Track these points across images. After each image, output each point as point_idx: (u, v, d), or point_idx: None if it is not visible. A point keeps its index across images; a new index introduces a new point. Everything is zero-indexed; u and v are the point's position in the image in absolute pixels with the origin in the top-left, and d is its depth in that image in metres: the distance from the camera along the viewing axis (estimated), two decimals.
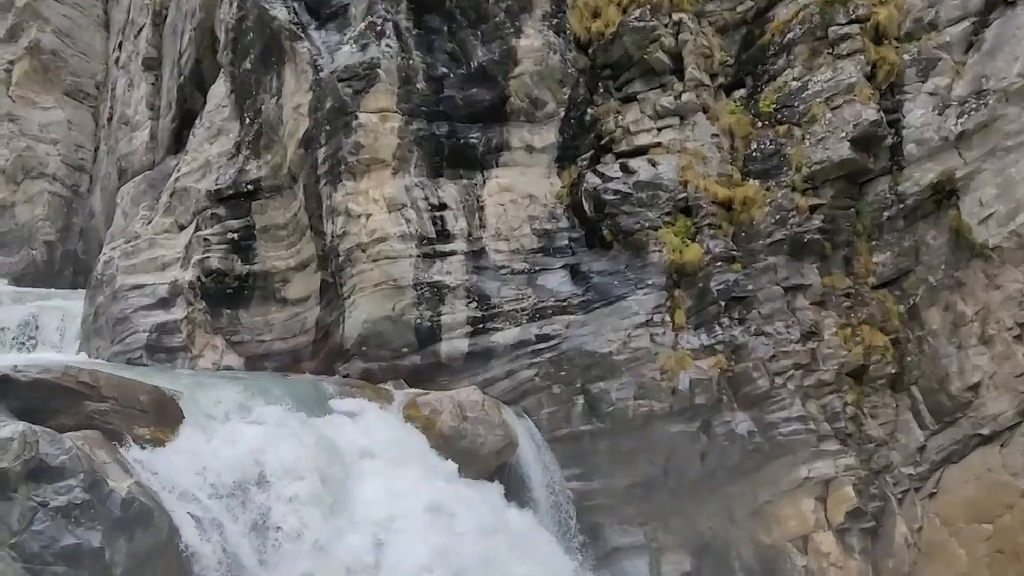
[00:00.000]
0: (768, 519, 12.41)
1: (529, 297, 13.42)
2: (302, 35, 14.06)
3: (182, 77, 16.87)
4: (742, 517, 12.52)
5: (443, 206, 13.55)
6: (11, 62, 24.49)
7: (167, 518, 8.09)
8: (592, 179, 13.53)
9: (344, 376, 13.27)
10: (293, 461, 9.61)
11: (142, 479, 8.29)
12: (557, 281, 13.49)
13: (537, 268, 13.55)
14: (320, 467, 9.84)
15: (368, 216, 13.27)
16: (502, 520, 11.16)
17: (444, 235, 13.42)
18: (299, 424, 10.46)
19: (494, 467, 12.07)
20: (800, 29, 13.59)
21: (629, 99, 13.92)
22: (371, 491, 10.33)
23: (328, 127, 13.65)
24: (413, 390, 12.87)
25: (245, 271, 14.61)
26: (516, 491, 12.07)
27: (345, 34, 13.36)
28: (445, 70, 13.50)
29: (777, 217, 13.24)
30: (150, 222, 16.19)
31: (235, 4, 14.90)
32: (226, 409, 10.24)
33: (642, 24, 13.68)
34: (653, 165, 13.41)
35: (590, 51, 13.90)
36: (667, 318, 13.15)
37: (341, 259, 13.46)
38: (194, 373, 13.15)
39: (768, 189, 13.38)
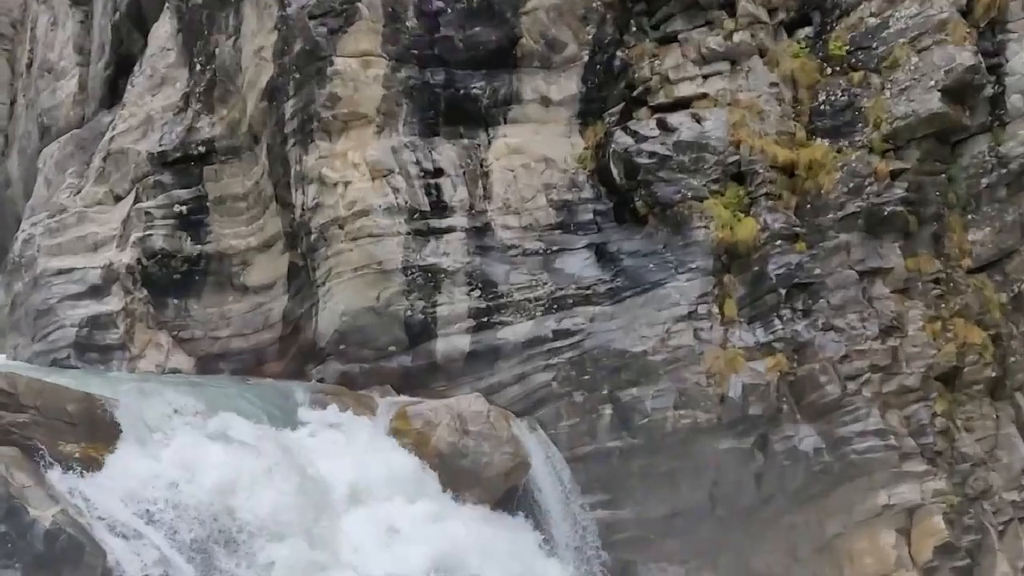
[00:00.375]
0: (838, 556, 12.42)
1: (545, 284, 13.48)
2: None
3: (118, 14, 16.73)
4: (806, 554, 12.56)
5: (439, 172, 13.59)
6: None
7: (101, 555, 8.15)
8: (622, 139, 13.47)
9: (318, 381, 13.43)
10: (271, 511, 9.74)
11: (70, 507, 8.35)
12: (579, 264, 13.52)
13: (555, 248, 13.59)
14: (304, 516, 10.02)
15: (347, 184, 13.37)
16: None
17: (440, 208, 13.49)
18: (269, 442, 10.60)
19: (501, 492, 12.30)
20: None
21: (668, 40, 13.92)
22: (361, 536, 10.56)
23: (297, 75, 13.63)
24: (402, 398, 13.04)
25: (196, 252, 14.70)
26: (525, 520, 12.42)
27: None
28: (441, 4, 13.53)
29: (850, 185, 13.16)
30: (79, 192, 16.18)
31: None
32: (174, 422, 10.38)
33: None
34: (697, 121, 13.39)
35: None
36: (714, 309, 13.15)
37: (314, 237, 13.56)
38: (134, 377, 13.19)
39: (839, 151, 13.34)
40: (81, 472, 8.86)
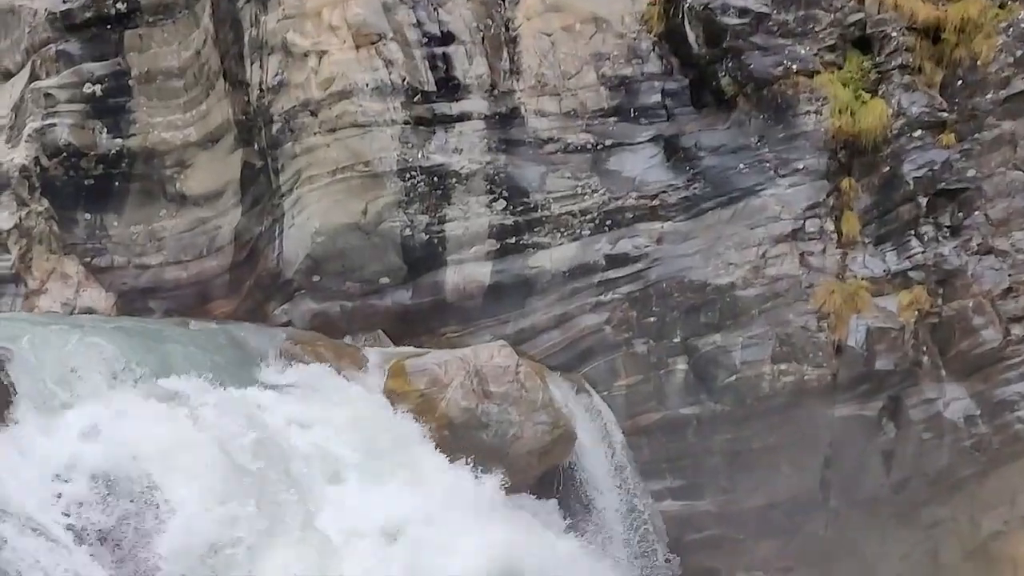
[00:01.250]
0: (997, 562, 12.35)
1: (594, 192, 13.36)
2: None
3: None
4: (953, 559, 12.51)
5: (448, 38, 13.46)
6: None
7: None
8: None
9: (284, 325, 13.32)
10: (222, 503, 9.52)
11: None
12: (642, 164, 13.40)
13: (608, 143, 13.43)
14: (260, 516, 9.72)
15: (321, 55, 13.22)
16: None
17: (450, 87, 13.36)
18: (217, 409, 10.32)
19: (535, 476, 12.24)
20: None
21: None
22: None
23: None
24: (399, 348, 13.08)
25: (115, 149, 14.46)
26: (571, 515, 12.40)
27: None
28: None
29: (1017, 54, 12.98)
30: None
31: None
32: (86, 384, 10.12)
33: None
34: None
35: None
36: (828, 226, 13.08)
37: (276, 128, 13.46)
38: (33, 319, 12.88)
39: (1002, 6, 13.17)
40: None
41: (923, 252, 12.99)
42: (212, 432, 10.06)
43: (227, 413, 10.43)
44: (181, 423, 10.03)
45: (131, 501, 9.31)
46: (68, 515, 8.98)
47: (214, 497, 9.55)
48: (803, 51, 13.31)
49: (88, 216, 14.59)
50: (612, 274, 13.25)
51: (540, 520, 11.77)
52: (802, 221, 13.10)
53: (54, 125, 14.51)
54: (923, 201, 13.01)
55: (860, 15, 13.44)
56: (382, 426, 11.58)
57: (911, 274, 12.94)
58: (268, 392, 11.38)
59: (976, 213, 12.94)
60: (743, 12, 13.35)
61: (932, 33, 13.39)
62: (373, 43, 13.25)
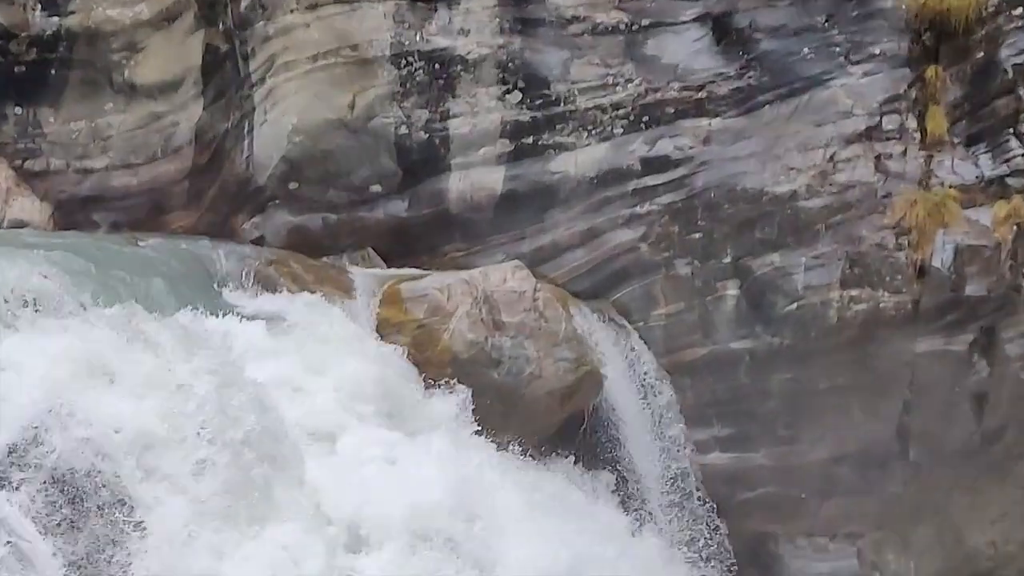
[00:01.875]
0: None
1: (629, 81, 13.28)
2: None
3: None
4: None
5: None
6: None
7: None
8: None
9: (255, 241, 13.35)
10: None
11: None
12: (686, 49, 13.38)
13: (646, 22, 13.38)
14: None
15: None
16: None
17: None
18: (174, 343, 10.08)
19: (556, 423, 12.23)
20: None
21: None
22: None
23: None
24: (393, 270, 13.11)
25: (52, 29, 14.16)
26: (597, 471, 12.49)
27: None
28: None
29: None
30: None
31: None
32: (17, 314, 9.89)
33: None
34: None
35: None
36: (910, 123, 13.07)
37: (246, 5, 13.45)
38: None
39: None
40: None
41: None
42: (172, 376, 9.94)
43: (183, 348, 10.30)
44: (130, 361, 9.91)
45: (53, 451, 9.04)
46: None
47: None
48: None
49: (19, 110, 14.38)
50: (649, 181, 13.21)
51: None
52: (878, 117, 13.09)
53: None
54: None
55: None
56: (373, 365, 11.53)
57: (1009, 181, 12.94)
58: (233, 320, 11.40)
59: None
60: None
61: None
62: None
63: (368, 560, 9.86)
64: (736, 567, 12.75)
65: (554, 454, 12.20)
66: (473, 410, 11.53)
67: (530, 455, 11.88)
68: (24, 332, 9.81)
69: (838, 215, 12.91)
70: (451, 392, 11.55)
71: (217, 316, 11.29)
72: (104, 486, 9.06)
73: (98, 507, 9.00)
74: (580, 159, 13.32)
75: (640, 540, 12.05)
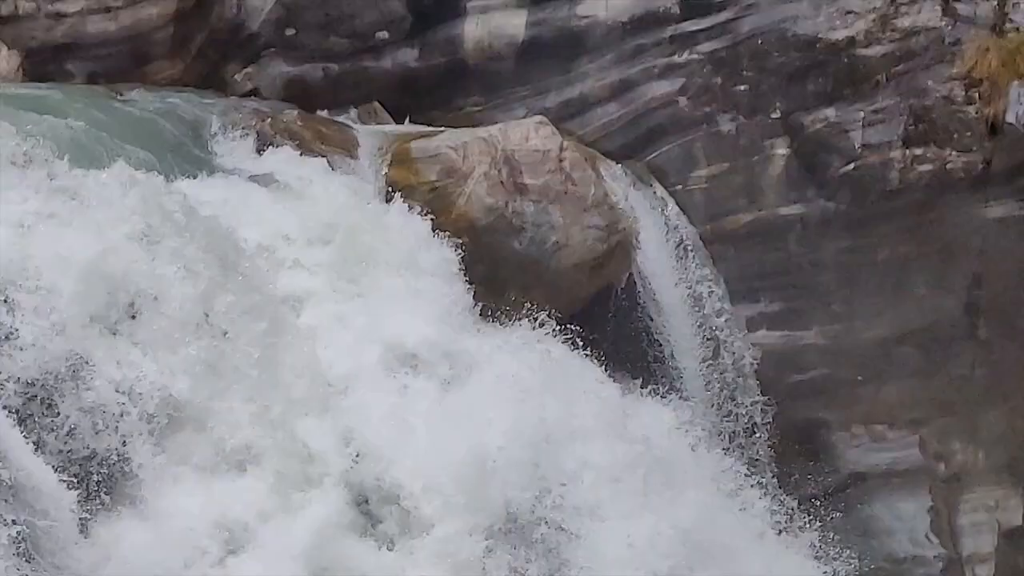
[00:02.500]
0: None
1: None
2: None
3: None
4: None
5: None
6: None
7: None
8: None
9: (248, 94, 13.13)
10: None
11: None
12: None
13: None
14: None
15: None
16: None
17: None
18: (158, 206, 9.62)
19: (584, 298, 12.03)
20: None
21: None
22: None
23: None
24: (403, 127, 12.91)
25: None
26: (627, 354, 12.08)
27: None
28: None
29: None
30: None
31: None
32: None
33: None
34: None
35: None
36: None
37: None
38: None
39: None
40: None
41: None
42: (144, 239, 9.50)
43: (165, 213, 9.73)
44: (110, 223, 9.27)
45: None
46: None
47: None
48: None
49: None
50: (689, 26, 12.94)
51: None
52: None
53: None
54: None
55: None
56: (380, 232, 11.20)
57: None
58: (224, 181, 11.08)
59: None
60: None
61: None
62: None
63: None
64: (784, 458, 12.52)
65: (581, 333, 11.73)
66: (493, 284, 11.31)
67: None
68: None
69: (900, 64, 12.62)
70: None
71: (204, 177, 10.97)
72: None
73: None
74: (611, 1, 13.03)
75: (678, 432, 11.58)
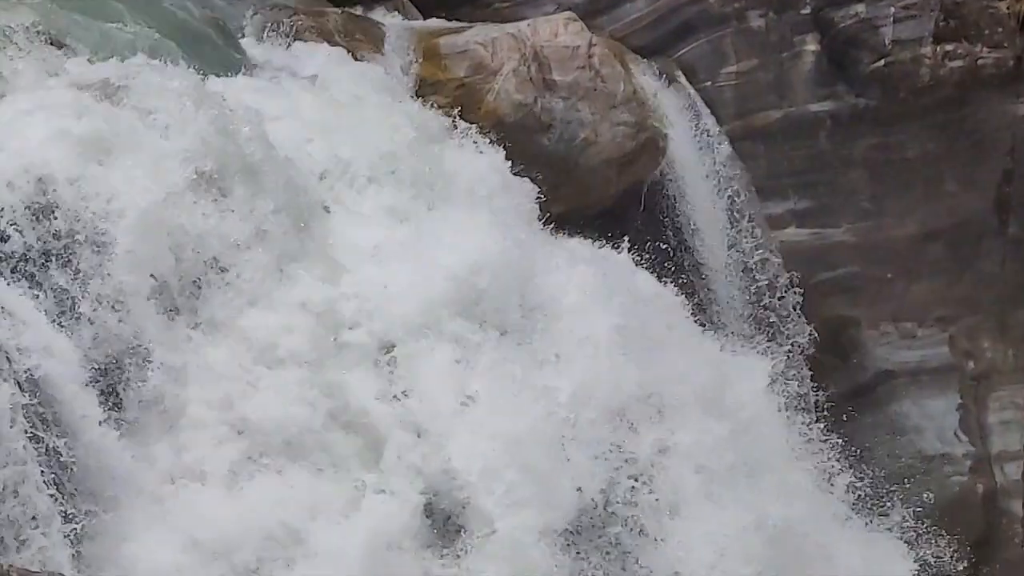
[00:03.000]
0: None
1: None
2: None
3: None
4: None
5: None
6: None
7: None
8: None
9: None
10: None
11: None
12: None
13: None
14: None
15: None
16: None
17: None
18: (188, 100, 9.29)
19: (612, 195, 11.99)
20: None
21: None
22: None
23: None
24: (431, 22, 12.72)
25: None
26: (655, 252, 11.73)
27: None
28: None
29: None
30: None
31: None
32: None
33: None
34: None
35: None
36: None
37: None
38: None
39: None
40: None
41: None
42: (178, 140, 9.13)
43: (191, 110, 9.44)
44: (126, 124, 9.04)
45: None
46: None
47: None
48: None
49: None
50: None
51: None
52: None
53: None
54: None
55: None
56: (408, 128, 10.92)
57: None
58: (252, 78, 10.84)
59: None
60: None
61: None
62: None
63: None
64: (813, 355, 12.39)
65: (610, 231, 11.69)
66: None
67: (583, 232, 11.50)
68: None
69: None
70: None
71: (227, 74, 10.73)
72: None
73: None
74: None
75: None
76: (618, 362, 9.36)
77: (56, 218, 8.21)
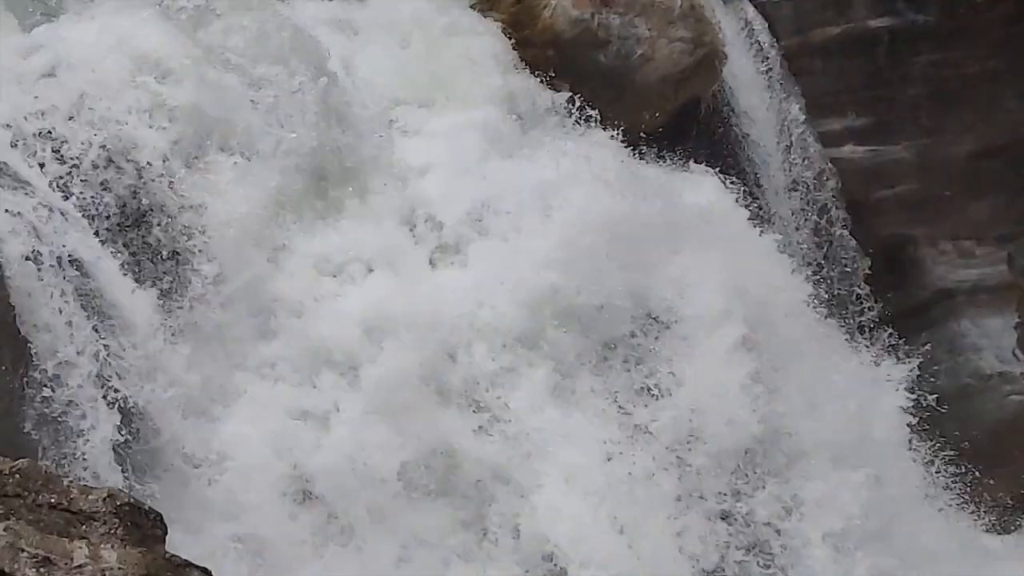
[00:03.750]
0: None
1: None
2: None
3: None
4: None
5: None
6: None
7: None
8: None
9: None
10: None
11: None
12: None
13: None
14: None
15: None
16: None
17: None
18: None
19: (670, 112, 11.74)
20: None
21: None
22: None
23: None
24: None
25: None
26: (715, 165, 11.76)
27: None
28: None
29: None
30: None
31: None
32: None
33: None
34: None
35: None
36: None
37: None
38: None
39: None
40: None
41: None
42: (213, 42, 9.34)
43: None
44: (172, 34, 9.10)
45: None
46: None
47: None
48: None
49: None
50: None
51: None
52: None
53: None
54: None
55: None
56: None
57: None
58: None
59: None
60: None
61: None
62: None
63: None
64: (871, 274, 12.39)
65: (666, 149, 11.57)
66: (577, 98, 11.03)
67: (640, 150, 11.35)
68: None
69: None
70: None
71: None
72: None
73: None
74: None
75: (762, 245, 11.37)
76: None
77: None
